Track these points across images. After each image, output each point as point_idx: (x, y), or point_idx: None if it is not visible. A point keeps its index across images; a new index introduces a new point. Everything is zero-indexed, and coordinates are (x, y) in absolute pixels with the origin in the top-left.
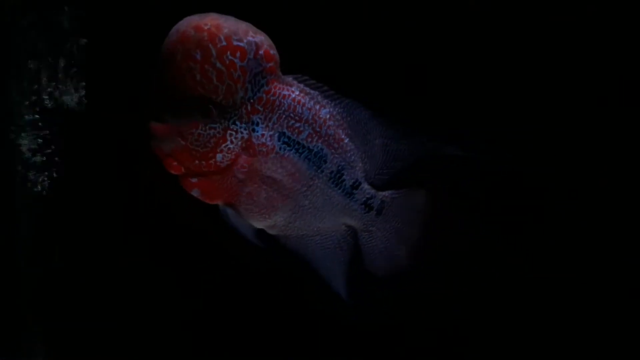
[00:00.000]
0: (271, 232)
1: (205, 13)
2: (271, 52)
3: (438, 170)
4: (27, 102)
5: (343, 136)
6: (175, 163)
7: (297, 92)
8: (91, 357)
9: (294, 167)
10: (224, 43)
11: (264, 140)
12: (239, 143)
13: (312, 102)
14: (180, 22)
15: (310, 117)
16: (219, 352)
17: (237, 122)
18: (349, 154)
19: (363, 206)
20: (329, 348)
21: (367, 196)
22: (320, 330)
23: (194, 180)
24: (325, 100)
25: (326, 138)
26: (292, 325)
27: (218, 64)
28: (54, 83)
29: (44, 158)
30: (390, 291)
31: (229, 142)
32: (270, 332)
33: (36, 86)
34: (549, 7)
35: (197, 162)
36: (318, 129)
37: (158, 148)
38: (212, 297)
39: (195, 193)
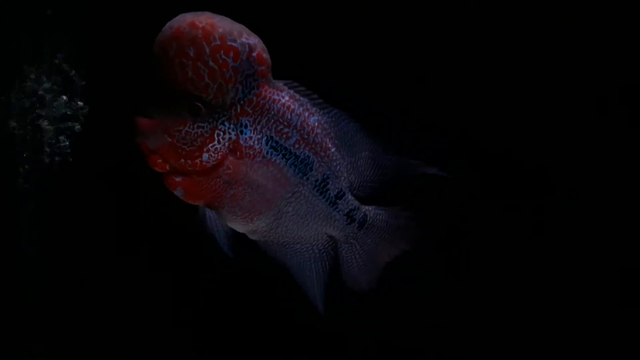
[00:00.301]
0: (252, 237)
1: (200, 12)
2: (264, 55)
3: (421, 188)
4: (29, 105)
5: (330, 145)
6: (160, 160)
7: (287, 98)
8: (91, 357)
9: (279, 172)
10: (218, 42)
11: (251, 143)
12: (226, 144)
13: (301, 109)
14: (175, 19)
15: (299, 123)
16: (216, 352)
17: (226, 123)
18: (334, 164)
19: (346, 217)
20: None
21: (351, 207)
22: (301, 335)
23: (178, 179)
24: (314, 108)
25: (313, 146)
26: (278, 328)
27: (211, 62)
28: (55, 86)
29: (46, 160)
30: (367, 304)
31: (216, 142)
32: (259, 333)
33: (36, 90)
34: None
35: (182, 160)
36: (306, 136)
37: (143, 143)
38: (209, 297)
39: (178, 193)
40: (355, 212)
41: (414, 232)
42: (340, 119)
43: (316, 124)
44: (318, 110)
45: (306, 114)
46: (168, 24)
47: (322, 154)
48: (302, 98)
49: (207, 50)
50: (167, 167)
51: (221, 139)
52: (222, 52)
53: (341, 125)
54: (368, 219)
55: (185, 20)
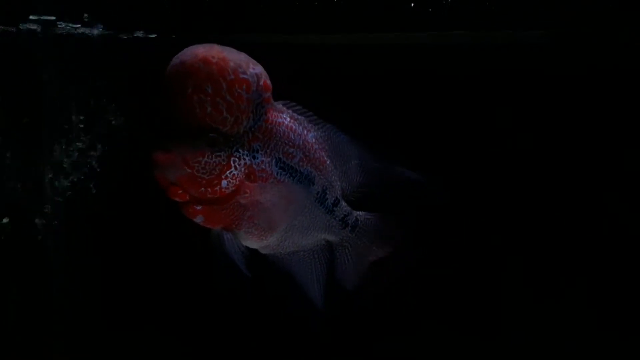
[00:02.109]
0: (264, 251)
1: (207, 44)
2: (268, 82)
3: (404, 193)
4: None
5: (325, 158)
6: (180, 191)
7: (289, 119)
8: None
9: (288, 190)
10: (232, 77)
11: (263, 167)
12: (242, 169)
13: (300, 128)
14: (184, 54)
15: (301, 142)
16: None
17: (240, 150)
18: (330, 174)
19: (340, 222)
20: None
21: (345, 213)
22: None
23: (199, 207)
24: (310, 125)
25: (313, 161)
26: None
27: (228, 97)
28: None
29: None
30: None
31: (233, 169)
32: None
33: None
34: None
35: (202, 189)
36: (307, 153)
37: (162, 177)
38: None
39: (198, 219)
40: (348, 217)
41: (398, 234)
42: (332, 133)
43: (314, 140)
44: (313, 127)
45: (305, 132)
46: (178, 59)
47: (321, 167)
48: (299, 117)
49: (224, 85)
50: (187, 197)
51: (237, 165)
52: (236, 86)
53: (333, 138)
54: (359, 223)
55: (196, 55)
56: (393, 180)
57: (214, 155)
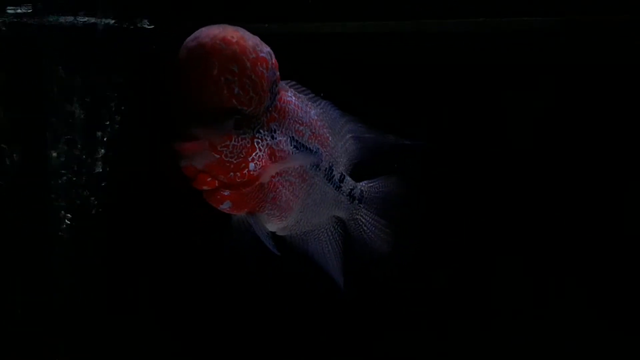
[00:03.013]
0: (281, 233)
1: (219, 25)
2: (276, 61)
3: (397, 158)
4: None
5: (328, 135)
6: (209, 178)
7: (294, 98)
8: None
9: (302, 168)
10: (253, 55)
11: (282, 147)
12: (266, 150)
13: (304, 105)
14: (199, 36)
15: (307, 119)
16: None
17: (261, 130)
18: (334, 151)
19: (348, 197)
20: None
21: (350, 187)
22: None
23: (226, 193)
24: (310, 103)
25: (319, 138)
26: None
27: (253, 76)
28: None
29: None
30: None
31: (257, 151)
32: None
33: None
34: None
35: (231, 174)
36: (314, 130)
37: (189, 167)
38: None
39: (225, 206)
40: (354, 190)
41: (402, 191)
42: (329, 109)
43: (316, 117)
44: (313, 104)
45: (308, 109)
46: (195, 42)
47: (325, 144)
48: (301, 95)
49: (248, 64)
50: (216, 183)
51: (261, 147)
52: (258, 64)
53: (330, 114)
54: (364, 193)
55: (215, 35)
56: (385, 147)
57: (240, 138)
